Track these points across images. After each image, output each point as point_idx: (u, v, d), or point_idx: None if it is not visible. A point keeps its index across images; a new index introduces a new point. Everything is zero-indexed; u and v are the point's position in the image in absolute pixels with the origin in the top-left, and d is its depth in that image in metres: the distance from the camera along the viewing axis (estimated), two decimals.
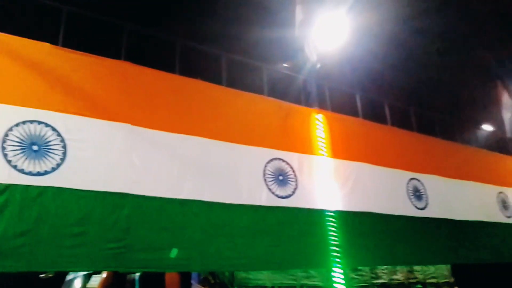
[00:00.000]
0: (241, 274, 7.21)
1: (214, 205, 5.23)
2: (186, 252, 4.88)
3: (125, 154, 4.86)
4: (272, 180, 5.98)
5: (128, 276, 7.26)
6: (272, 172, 6.04)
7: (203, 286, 7.09)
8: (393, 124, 7.90)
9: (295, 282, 7.64)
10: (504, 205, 8.91)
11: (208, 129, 5.59)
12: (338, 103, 7.73)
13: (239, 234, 5.37)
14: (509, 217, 8.95)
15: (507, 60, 10.06)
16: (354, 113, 7.57)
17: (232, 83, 6.46)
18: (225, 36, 8.71)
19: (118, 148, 4.84)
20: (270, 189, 5.91)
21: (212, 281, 7.07)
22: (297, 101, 7.11)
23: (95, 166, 4.64)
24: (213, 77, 6.44)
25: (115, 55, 5.39)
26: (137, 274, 7.28)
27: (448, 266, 10.11)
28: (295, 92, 7.49)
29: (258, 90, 6.83)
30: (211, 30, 8.83)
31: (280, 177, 6.10)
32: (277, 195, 5.94)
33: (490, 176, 8.92)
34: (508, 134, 10.07)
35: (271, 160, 6.11)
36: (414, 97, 9.45)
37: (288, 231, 5.85)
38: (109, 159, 4.74)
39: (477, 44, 9.45)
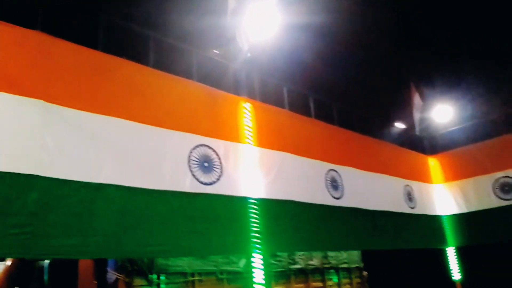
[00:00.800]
0: (160, 261, 7.10)
1: (134, 190, 5.06)
2: (100, 239, 4.68)
3: (37, 133, 4.48)
4: (197, 167, 5.94)
5: (37, 263, 6.79)
6: (198, 159, 5.99)
7: (120, 274, 6.86)
8: (316, 117, 8.24)
9: (215, 268, 7.72)
10: (409, 197, 9.79)
11: (130, 111, 5.37)
12: (266, 93, 7.88)
13: (159, 221, 5.27)
14: (412, 207, 9.86)
15: (420, 64, 11.00)
16: (281, 104, 7.77)
17: (160, 66, 6.26)
18: (155, 19, 8.40)
19: (28, 126, 4.45)
20: (194, 176, 5.86)
21: (130, 268, 6.86)
22: (227, 89, 7.10)
23: (0, 145, 4.23)
24: (140, 58, 6.18)
25: (30, 27, 4.92)
26: (47, 261, 6.84)
27: (359, 252, 10.89)
28: (225, 80, 7.48)
29: (187, 75, 6.70)
30: (140, 11, 8.45)
31: (206, 164, 6.07)
32: (201, 182, 5.92)
33: (399, 170, 9.72)
34: (417, 133, 11.02)
35: (197, 146, 6.05)
36: (337, 92, 9.93)
37: (210, 218, 5.87)
38: (17, 137, 4.35)
39: (395, 46, 10.19)
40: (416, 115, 10.73)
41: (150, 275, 7.01)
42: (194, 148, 6.00)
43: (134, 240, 4.98)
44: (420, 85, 10.92)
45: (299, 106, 8.29)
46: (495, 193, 10.13)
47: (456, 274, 10.69)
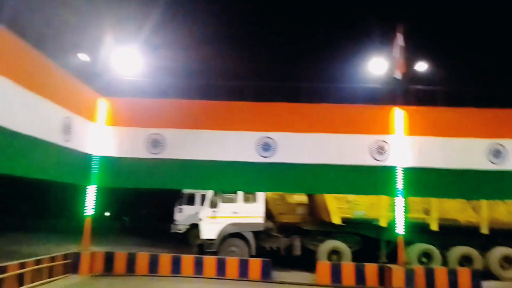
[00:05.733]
0: None
1: None
2: None
3: None
4: None
5: None
6: None
7: None
8: None
9: None
10: (66, 129, 9.46)
11: None
12: None
13: None
14: (67, 141, 9.61)
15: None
16: None
17: None
18: None
19: None
20: None
21: None
22: None
23: None
24: None
25: None
26: None
27: None
28: None
29: None
30: None
31: None
32: None
33: (61, 99, 9.15)
34: (99, 71, 10.91)
35: None
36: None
37: None
38: None
39: None
40: (102, 53, 10.59)
41: None
42: None
43: None
44: (116, 25, 10.85)
45: None
46: (146, 147, 11.37)
47: (90, 210, 11.27)
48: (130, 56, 11.57)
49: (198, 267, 11.17)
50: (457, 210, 12.56)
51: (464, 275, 10.73)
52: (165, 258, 11.37)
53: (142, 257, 11.37)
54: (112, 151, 11.45)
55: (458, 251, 12.47)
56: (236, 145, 10.91)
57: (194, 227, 16.35)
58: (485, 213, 12.47)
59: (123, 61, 11.46)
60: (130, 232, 23.58)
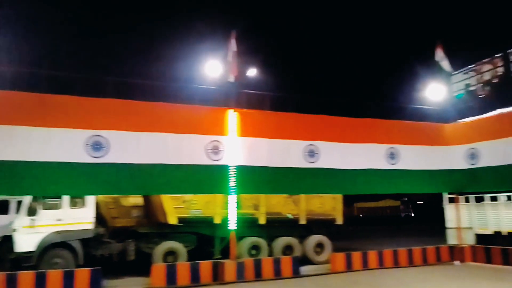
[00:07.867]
0: None
1: None
2: None
3: None
4: None
5: None
6: None
7: None
8: None
9: None
10: None
11: None
12: None
13: None
14: None
15: None
16: None
17: None
18: None
19: None
20: None
21: None
22: None
23: None
24: None
25: None
26: None
27: None
28: None
29: None
30: None
31: None
32: None
33: None
34: None
35: None
36: None
37: None
38: None
39: None
40: None
41: None
42: None
43: None
44: None
45: None
46: None
47: None
48: None
49: (11, 285, 9.59)
50: (281, 204, 14.03)
51: (286, 263, 11.99)
52: None
53: None
54: None
55: (281, 241, 13.91)
56: (61, 144, 9.72)
57: (8, 239, 14.11)
58: (303, 206, 14.29)
59: None
60: None
